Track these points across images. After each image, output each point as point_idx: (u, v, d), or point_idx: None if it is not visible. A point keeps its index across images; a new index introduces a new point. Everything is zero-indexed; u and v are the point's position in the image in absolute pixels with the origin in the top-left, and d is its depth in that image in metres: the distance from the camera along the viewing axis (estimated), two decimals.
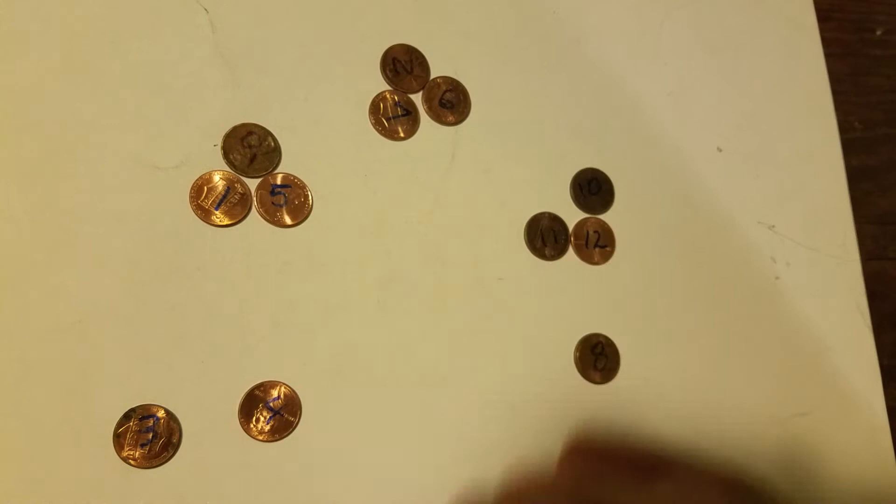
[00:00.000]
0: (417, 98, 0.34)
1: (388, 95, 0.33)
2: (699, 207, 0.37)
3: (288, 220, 0.30)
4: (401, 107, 0.33)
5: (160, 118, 0.30)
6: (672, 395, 0.34)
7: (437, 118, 0.34)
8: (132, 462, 0.26)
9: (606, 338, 0.33)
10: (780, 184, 0.39)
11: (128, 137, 0.29)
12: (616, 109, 0.37)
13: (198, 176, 0.29)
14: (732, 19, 0.41)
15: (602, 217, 0.35)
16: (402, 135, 0.33)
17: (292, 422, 0.28)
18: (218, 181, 0.30)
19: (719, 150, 0.38)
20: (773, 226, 0.38)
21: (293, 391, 0.29)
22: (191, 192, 0.29)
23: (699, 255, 0.36)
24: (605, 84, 0.37)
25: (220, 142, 0.30)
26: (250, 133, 0.30)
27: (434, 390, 0.31)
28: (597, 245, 0.35)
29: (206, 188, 0.29)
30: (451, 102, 0.34)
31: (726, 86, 0.40)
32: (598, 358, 0.33)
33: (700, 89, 0.39)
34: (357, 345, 0.30)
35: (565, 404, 0.32)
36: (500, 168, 0.34)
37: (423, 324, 0.31)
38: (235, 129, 0.30)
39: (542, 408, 0.32)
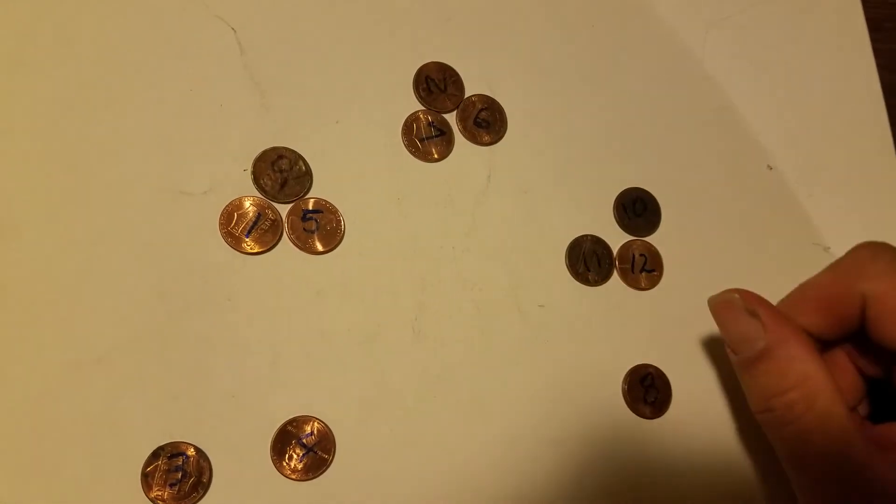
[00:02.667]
0: (451, 118, 0.33)
1: (421, 116, 0.32)
2: (750, 228, 0.35)
3: (320, 247, 0.29)
4: (434, 127, 0.32)
5: (188, 142, 0.29)
6: (728, 430, 0.32)
7: (472, 138, 0.33)
8: (161, 503, 0.25)
9: (657, 368, 0.31)
10: (834, 203, 0.37)
11: (154, 163, 0.28)
12: (660, 126, 0.36)
13: (227, 202, 0.28)
14: (778, 32, 0.40)
15: (648, 239, 0.33)
16: (435, 156, 0.32)
17: (326, 459, 0.27)
18: (248, 207, 0.28)
19: (769, 168, 0.37)
20: (829, 248, 0.36)
21: (327, 426, 0.27)
22: (220, 219, 0.28)
23: (752, 279, 0.34)
24: (648, 100, 0.36)
25: (249, 166, 0.29)
26: (281, 157, 0.29)
27: (474, 424, 0.29)
28: (643, 269, 0.33)
29: (236, 214, 0.28)
30: (487, 121, 0.33)
31: (774, 101, 0.38)
32: (647, 390, 0.31)
33: (747, 105, 0.37)
34: (392, 376, 0.29)
35: (613, 440, 0.30)
36: (538, 189, 0.33)
37: (461, 353, 0.30)
38: (265, 153, 0.29)
39: (588, 443, 0.30)
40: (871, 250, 0.26)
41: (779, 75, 0.38)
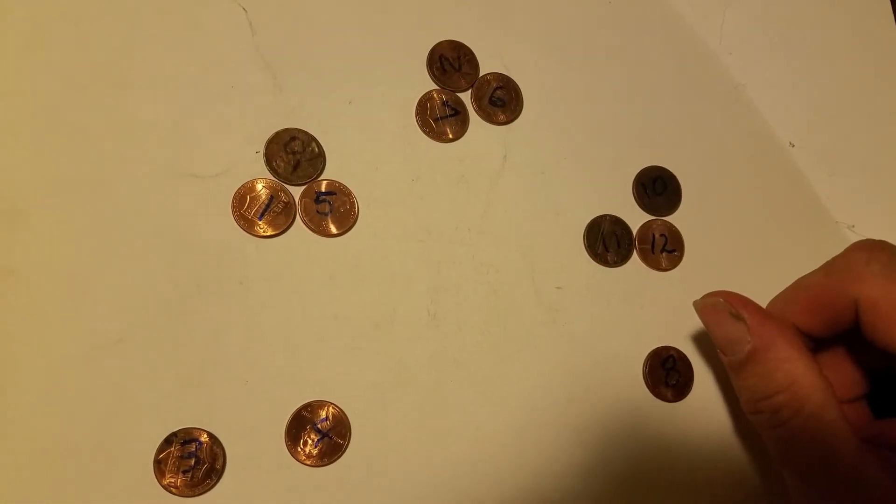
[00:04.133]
0: (466, 97, 0.32)
1: (435, 95, 0.31)
2: (772, 207, 0.34)
3: (333, 230, 0.28)
4: (449, 106, 0.31)
5: (199, 124, 0.28)
6: None
7: (488, 117, 0.32)
8: (174, 490, 0.25)
9: (678, 351, 0.31)
10: (858, 181, 0.36)
11: (166, 145, 0.28)
12: (679, 103, 0.35)
13: (240, 185, 0.28)
14: (800, 5, 0.38)
15: (669, 219, 0.33)
16: (450, 136, 0.31)
17: (342, 445, 0.27)
18: (261, 190, 0.28)
19: (791, 145, 0.36)
20: (853, 226, 0.35)
21: (342, 411, 0.27)
22: (233, 202, 0.28)
23: (775, 259, 0.33)
24: (667, 76, 0.35)
25: (262, 148, 0.28)
26: (293, 138, 0.29)
27: (490, 409, 0.28)
28: (664, 249, 0.32)
29: (248, 197, 0.28)
30: (502, 100, 0.32)
31: (797, 77, 0.37)
32: (669, 373, 0.30)
33: (769, 81, 0.36)
34: (408, 360, 0.28)
35: (634, 424, 0.30)
36: (555, 169, 0.32)
37: (477, 337, 0.29)
38: (278, 134, 0.29)
39: (609, 427, 0.29)
40: (867, 251, 0.25)
41: (800, 50, 0.37)
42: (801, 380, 0.24)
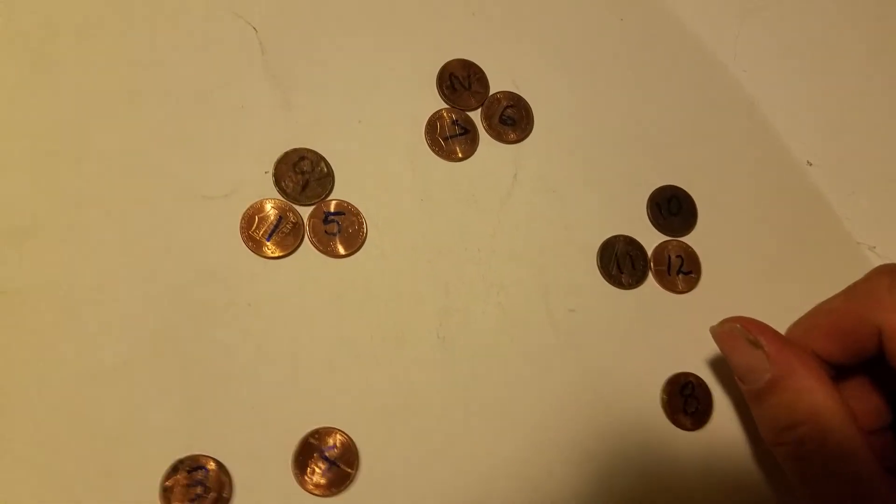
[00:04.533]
0: (476, 116, 0.32)
1: (445, 114, 0.31)
2: (791, 227, 0.34)
3: (341, 250, 0.28)
4: (458, 125, 0.31)
5: (209, 144, 0.28)
6: None
7: (498, 136, 0.31)
8: None
9: (697, 377, 0.30)
10: (879, 200, 0.35)
11: (175, 166, 0.27)
12: (694, 121, 0.34)
13: (248, 205, 0.27)
14: (815, 21, 0.38)
15: (684, 240, 0.32)
16: (460, 155, 0.31)
17: (350, 473, 0.26)
18: (269, 210, 0.28)
19: (809, 163, 0.35)
20: (875, 247, 0.34)
21: (350, 438, 0.26)
22: (241, 223, 0.27)
23: (794, 281, 0.32)
24: (681, 94, 0.34)
25: (271, 168, 0.28)
26: (302, 158, 0.28)
27: (502, 435, 0.28)
28: (680, 271, 0.31)
29: (257, 218, 0.27)
30: (513, 119, 0.32)
31: (814, 94, 0.36)
32: (688, 400, 0.29)
33: (785, 98, 0.36)
34: (417, 385, 0.28)
35: (651, 452, 0.29)
36: (567, 188, 0.32)
37: (488, 361, 0.29)
38: (287, 154, 0.28)
39: (625, 456, 0.28)
40: (890, 277, 0.24)
41: (817, 66, 0.37)
42: (824, 410, 0.23)
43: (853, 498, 0.23)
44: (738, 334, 0.25)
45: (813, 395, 0.23)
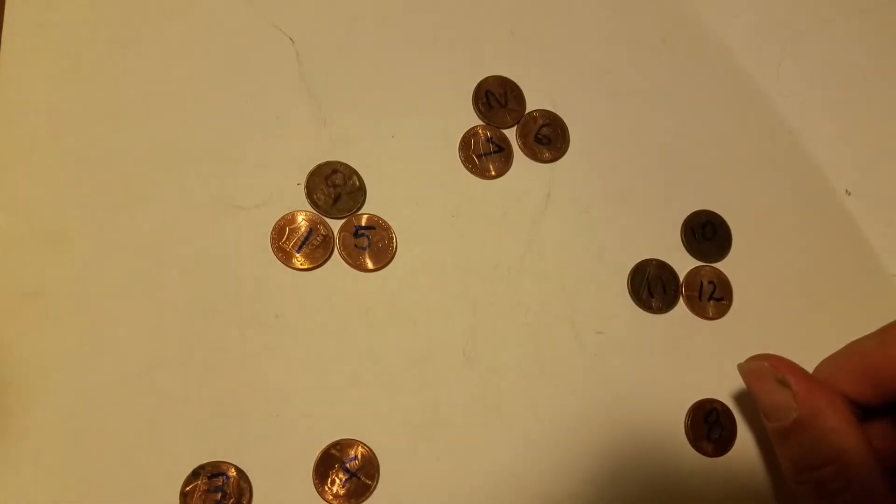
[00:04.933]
0: (511, 133, 0.32)
1: (480, 131, 0.31)
2: (826, 257, 0.33)
3: (370, 265, 0.28)
4: (493, 143, 0.31)
5: (243, 154, 0.28)
6: None
7: (533, 155, 0.31)
8: None
9: (722, 404, 0.29)
10: None
11: (208, 174, 0.28)
12: (731, 146, 0.34)
13: (280, 216, 0.28)
14: (858, 49, 0.37)
15: (718, 266, 0.31)
16: (493, 173, 0.31)
17: (369, 486, 0.26)
18: (301, 222, 0.28)
19: (848, 193, 0.34)
20: None
21: (371, 451, 0.26)
22: (272, 234, 0.27)
23: (826, 312, 0.32)
24: (719, 118, 0.34)
25: (303, 180, 0.28)
26: (335, 171, 0.29)
27: (525, 456, 0.28)
28: (711, 297, 0.31)
29: (287, 229, 0.28)
30: (548, 138, 0.32)
31: (855, 123, 0.35)
32: (712, 427, 0.29)
33: (825, 126, 0.35)
34: (441, 402, 0.28)
35: (673, 478, 0.28)
36: (600, 209, 0.31)
37: (514, 380, 0.28)
38: (320, 167, 0.29)
39: (647, 480, 0.28)
40: None
41: (859, 96, 0.36)
42: (850, 452, 0.23)
43: None
44: (766, 372, 0.25)
45: (839, 436, 0.23)
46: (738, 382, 0.30)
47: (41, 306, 0.25)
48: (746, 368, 0.26)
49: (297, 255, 0.27)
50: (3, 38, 0.28)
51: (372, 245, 0.28)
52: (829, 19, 0.37)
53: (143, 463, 0.25)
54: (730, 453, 0.29)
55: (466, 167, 0.31)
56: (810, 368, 0.27)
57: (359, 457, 0.26)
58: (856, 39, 0.37)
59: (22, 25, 0.28)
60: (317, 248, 0.28)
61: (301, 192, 0.28)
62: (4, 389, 0.24)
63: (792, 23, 0.37)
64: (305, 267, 0.28)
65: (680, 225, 0.32)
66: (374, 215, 0.29)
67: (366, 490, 0.26)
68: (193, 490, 0.25)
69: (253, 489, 0.25)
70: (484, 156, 0.31)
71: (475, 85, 0.32)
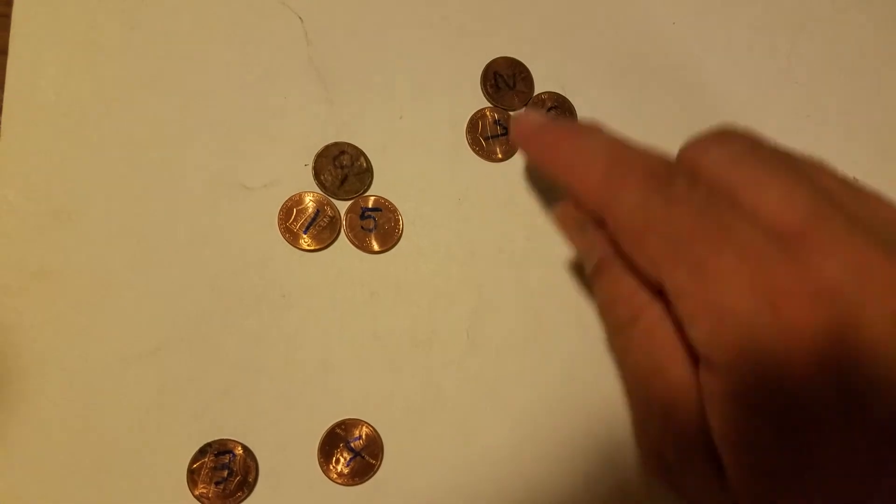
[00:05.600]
0: None
1: (487, 113, 0.31)
2: None
3: (376, 247, 0.28)
4: (500, 125, 0.31)
5: (250, 134, 0.28)
6: None
7: None
8: (205, 501, 0.25)
9: None
10: None
11: (215, 154, 0.28)
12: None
13: (287, 197, 0.28)
14: (873, 36, 0.37)
15: None
16: (500, 156, 0.31)
17: (373, 465, 0.26)
18: (308, 203, 0.28)
19: (856, 181, 0.34)
20: None
21: (375, 431, 0.27)
22: (279, 214, 0.28)
23: None
24: (729, 103, 0.34)
25: (310, 161, 0.28)
26: (342, 152, 0.29)
27: (527, 439, 0.28)
28: None
29: (295, 210, 0.28)
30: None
31: (866, 110, 0.35)
32: None
33: (836, 114, 0.35)
34: (444, 383, 0.28)
35: None
36: None
37: (517, 364, 0.29)
38: (327, 147, 0.28)
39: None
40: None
41: (871, 83, 0.36)
42: (642, 291, 0.23)
43: (652, 379, 0.22)
44: (571, 217, 0.25)
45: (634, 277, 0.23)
46: None
47: (48, 285, 0.26)
48: (555, 216, 0.26)
49: (304, 235, 0.28)
50: (13, 17, 0.27)
51: (378, 227, 0.28)
52: (842, 9, 0.37)
53: (151, 440, 0.25)
54: None
55: (473, 149, 0.30)
56: None
57: (363, 436, 0.27)
58: (868, 26, 0.37)
59: (32, 6, 0.28)
60: (323, 229, 0.28)
61: (308, 172, 0.28)
62: (11, 367, 0.25)
63: (802, 10, 0.36)
64: (312, 248, 0.28)
65: None
66: (381, 197, 0.29)
67: (370, 469, 0.26)
68: (200, 467, 0.25)
69: (259, 467, 0.26)
70: (491, 138, 0.31)
71: (484, 66, 0.31)
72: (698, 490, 0.22)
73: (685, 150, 0.23)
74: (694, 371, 0.21)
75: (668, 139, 0.32)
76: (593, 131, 0.25)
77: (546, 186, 0.31)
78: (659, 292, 0.22)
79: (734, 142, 0.22)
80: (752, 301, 0.18)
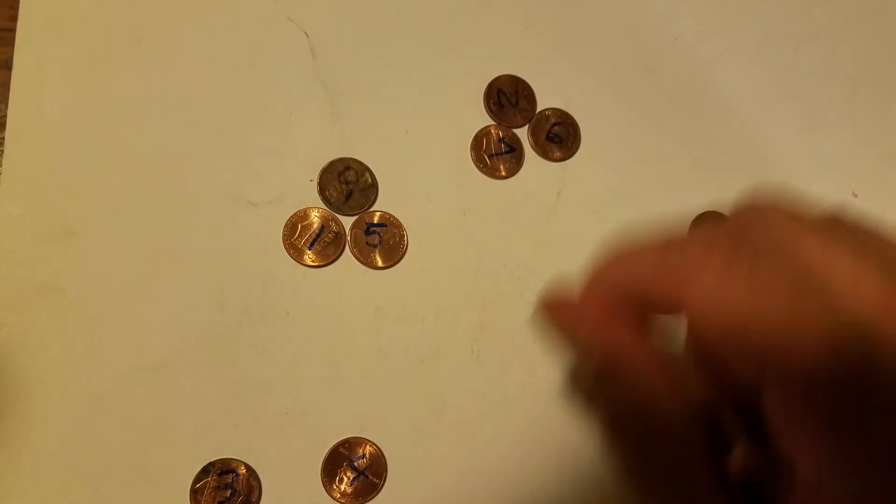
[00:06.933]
0: (523, 133, 0.31)
1: (492, 131, 0.31)
2: None
3: (380, 262, 0.28)
4: (505, 143, 0.31)
5: (256, 150, 0.28)
6: None
7: (544, 153, 0.31)
8: None
9: None
10: None
11: (222, 170, 0.28)
12: (741, 146, 0.33)
13: (292, 213, 0.28)
14: (869, 51, 0.37)
15: None
16: (503, 173, 0.31)
17: (377, 484, 0.26)
18: (313, 218, 0.28)
19: (854, 195, 0.34)
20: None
21: (379, 450, 0.26)
22: (284, 230, 0.27)
23: None
24: (729, 118, 0.34)
25: (316, 177, 0.28)
26: (348, 168, 0.29)
27: (533, 457, 0.28)
28: None
29: (300, 226, 0.28)
30: (560, 136, 0.32)
31: (863, 124, 0.35)
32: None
33: (834, 127, 0.35)
34: (449, 400, 0.28)
35: None
36: (610, 208, 0.31)
37: (522, 380, 0.28)
38: (332, 163, 0.28)
39: None
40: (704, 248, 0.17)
41: (868, 97, 0.36)
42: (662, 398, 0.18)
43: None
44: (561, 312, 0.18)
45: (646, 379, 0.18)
46: None
47: (53, 301, 0.25)
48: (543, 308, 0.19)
49: (309, 251, 0.27)
50: (17, 34, 0.27)
51: (383, 242, 0.28)
52: (842, 22, 0.37)
53: (154, 458, 0.25)
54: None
55: (477, 166, 0.30)
56: None
57: (367, 455, 0.26)
58: (865, 41, 0.37)
59: (36, 21, 0.28)
60: (328, 245, 0.28)
61: (314, 188, 0.28)
62: (16, 383, 0.24)
63: (805, 22, 0.36)
64: (316, 264, 0.27)
65: (689, 224, 0.31)
66: (387, 213, 0.29)
67: (373, 489, 0.26)
68: (203, 487, 0.25)
69: (262, 486, 0.25)
70: (495, 156, 0.31)
71: (487, 82, 0.31)
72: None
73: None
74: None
75: (669, 153, 0.33)
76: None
77: (549, 203, 0.31)
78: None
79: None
80: None
